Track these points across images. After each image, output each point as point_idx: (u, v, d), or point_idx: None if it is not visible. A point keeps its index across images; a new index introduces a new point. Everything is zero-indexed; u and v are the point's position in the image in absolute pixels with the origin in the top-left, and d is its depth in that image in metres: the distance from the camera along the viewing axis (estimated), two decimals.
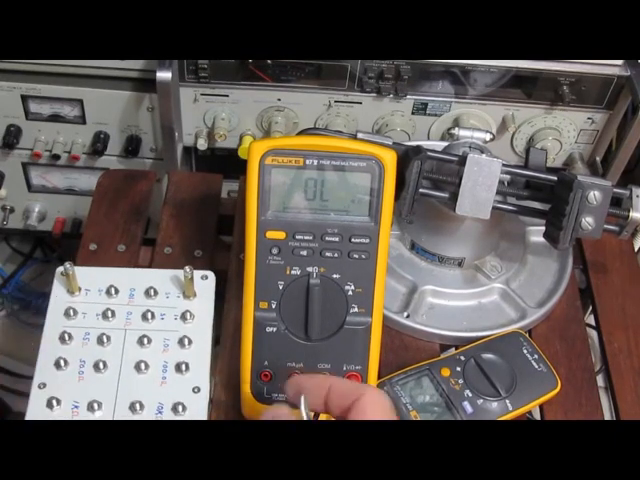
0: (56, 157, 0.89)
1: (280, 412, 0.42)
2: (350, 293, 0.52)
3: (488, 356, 0.58)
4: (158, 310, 0.57)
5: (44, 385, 0.53)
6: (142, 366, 0.54)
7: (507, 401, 0.56)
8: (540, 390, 0.57)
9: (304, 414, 0.41)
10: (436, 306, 0.65)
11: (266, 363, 0.53)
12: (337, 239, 0.52)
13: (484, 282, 0.66)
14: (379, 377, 0.56)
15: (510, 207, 0.62)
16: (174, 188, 0.73)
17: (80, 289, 0.58)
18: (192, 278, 0.57)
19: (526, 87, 0.82)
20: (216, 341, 0.59)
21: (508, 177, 0.62)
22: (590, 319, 0.68)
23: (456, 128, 0.68)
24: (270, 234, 0.52)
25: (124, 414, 0.52)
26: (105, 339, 0.55)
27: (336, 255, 0.52)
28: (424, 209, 0.62)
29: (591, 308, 0.68)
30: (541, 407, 0.59)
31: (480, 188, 0.59)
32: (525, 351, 0.59)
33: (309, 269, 0.52)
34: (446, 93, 0.83)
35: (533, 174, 0.62)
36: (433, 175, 0.61)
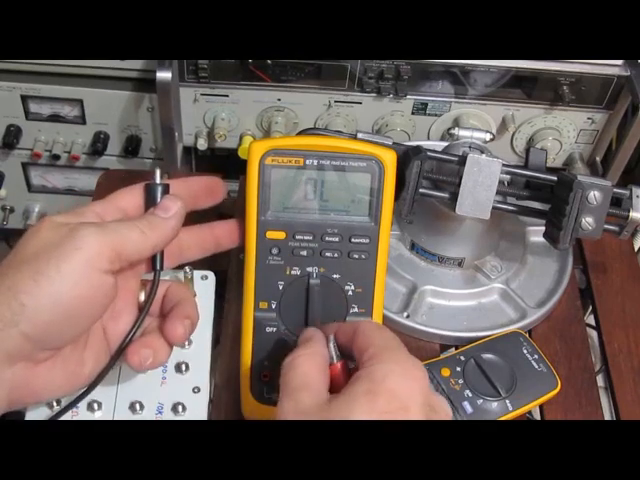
0: (56, 157, 0.89)
1: (307, 333, 0.47)
2: (350, 293, 0.52)
3: (488, 356, 0.58)
4: None
5: None
6: None
7: (507, 401, 0.56)
8: (540, 390, 0.57)
9: (333, 352, 0.45)
10: (436, 306, 0.65)
11: (266, 363, 0.53)
12: (337, 239, 0.52)
13: (484, 282, 0.66)
14: None
15: (510, 207, 0.62)
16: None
17: None
18: (192, 278, 0.57)
19: (526, 87, 0.82)
20: (216, 341, 0.59)
21: (508, 177, 0.61)
22: (590, 319, 0.68)
23: (456, 128, 0.68)
24: (270, 234, 0.52)
25: (124, 414, 0.52)
26: None
27: (336, 255, 0.52)
28: (424, 209, 0.62)
29: (591, 308, 0.68)
30: (541, 407, 0.59)
31: (480, 188, 0.59)
32: (525, 351, 0.59)
33: (309, 269, 0.52)
34: (446, 93, 0.83)
35: (533, 174, 0.62)
36: (433, 175, 0.61)
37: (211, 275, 0.60)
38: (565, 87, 0.81)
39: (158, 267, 0.50)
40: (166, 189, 0.50)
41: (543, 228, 0.62)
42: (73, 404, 0.49)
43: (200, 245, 0.54)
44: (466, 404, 0.55)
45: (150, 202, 0.49)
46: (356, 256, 0.52)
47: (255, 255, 0.52)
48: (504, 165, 0.60)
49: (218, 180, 0.54)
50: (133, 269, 0.49)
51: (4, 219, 0.97)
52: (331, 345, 0.45)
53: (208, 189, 0.53)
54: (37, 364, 0.44)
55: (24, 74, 0.84)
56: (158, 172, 0.50)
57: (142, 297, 0.51)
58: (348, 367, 0.45)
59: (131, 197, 0.50)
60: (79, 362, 0.47)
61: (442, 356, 0.61)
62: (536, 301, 0.65)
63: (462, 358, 0.58)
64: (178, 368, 0.55)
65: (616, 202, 0.60)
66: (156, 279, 0.50)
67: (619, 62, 0.79)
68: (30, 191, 0.96)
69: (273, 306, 0.52)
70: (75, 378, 0.47)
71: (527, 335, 0.61)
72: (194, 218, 0.68)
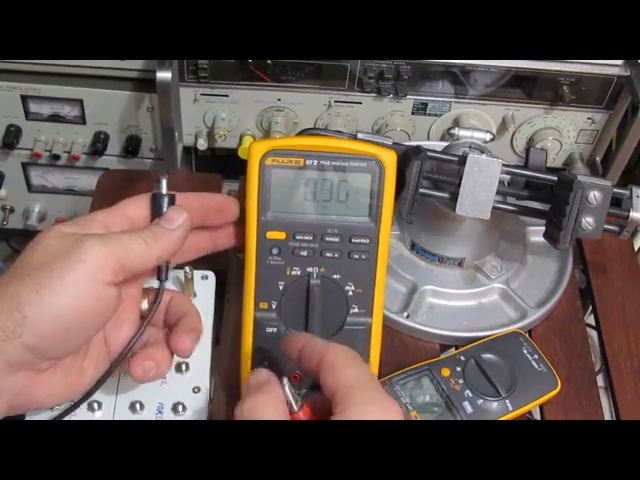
0: (56, 157, 0.89)
1: (260, 376, 0.45)
2: (350, 294, 0.52)
3: (488, 356, 0.58)
4: None
5: None
6: None
7: (507, 401, 0.56)
8: (540, 390, 0.57)
9: (291, 399, 0.43)
10: (436, 306, 0.65)
11: (266, 363, 0.53)
12: (337, 239, 0.52)
13: (484, 282, 0.66)
14: (379, 377, 0.56)
15: (510, 207, 0.62)
16: (174, 188, 0.72)
17: None
18: (192, 278, 0.57)
19: (526, 87, 0.82)
20: (216, 341, 0.59)
21: (508, 177, 0.61)
22: (590, 319, 0.68)
23: (456, 128, 0.68)
24: (270, 234, 0.52)
25: (124, 414, 0.52)
26: None
27: (336, 255, 0.52)
28: (424, 209, 0.62)
29: (591, 308, 0.68)
30: (541, 407, 0.59)
31: (480, 188, 0.59)
32: (525, 351, 0.59)
33: (309, 269, 0.52)
34: (446, 93, 0.83)
35: (533, 174, 0.62)
36: (433, 175, 0.61)
37: (211, 275, 0.60)
38: (565, 87, 0.81)
39: (163, 278, 0.50)
40: (172, 199, 0.50)
41: (543, 228, 0.62)
42: (69, 410, 0.49)
43: (196, 246, 0.54)
44: (466, 404, 0.55)
45: (156, 212, 0.49)
46: (356, 256, 0.52)
47: (255, 255, 0.52)
48: (504, 165, 0.60)
49: (233, 201, 0.54)
50: (136, 278, 0.49)
51: (4, 219, 0.97)
52: (287, 390, 0.43)
53: (220, 208, 0.53)
54: (38, 373, 0.44)
55: (24, 74, 0.84)
56: (164, 182, 0.50)
57: (144, 305, 0.51)
58: (314, 403, 0.43)
59: (138, 206, 0.50)
60: (80, 370, 0.47)
61: (442, 356, 0.61)
62: (536, 301, 0.65)
63: (462, 358, 0.58)
64: (178, 368, 0.55)
65: (616, 202, 0.60)
66: (160, 291, 0.50)
67: (619, 62, 0.79)
68: (30, 191, 0.96)
69: (273, 306, 0.52)
70: (75, 386, 0.47)
71: (527, 335, 0.61)
72: None
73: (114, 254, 0.44)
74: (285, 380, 0.43)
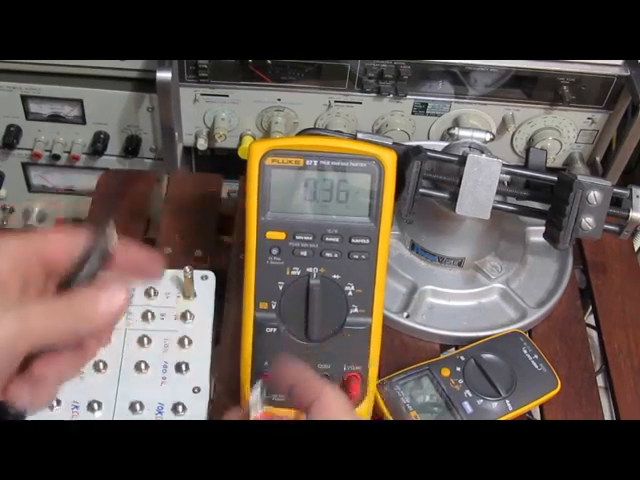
0: (56, 157, 0.89)
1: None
2: (350, 294, 0.52)
3: (488, 356, 0.58)
4: (158, 310, 0.57)
5: None
6: (142, 366, 0.54)
7: (507, 401, 0.56)
8: (540, 390, 0.57)
9: (256, 400, 0.42)
10: (436, 306, 0.65)
11: (266, 363, 0.53)
12: (337, 240, 0.52)
13: (484, 282, 0.66)
14: (379, 377, 0.56)
15: (510, 207, 0.62)
16: (174, 188, 0.73)
17: None
18: (192, 278, 0.57)
19: (526, 87, 0.82)
20: (216, 341, 0.59)
21: (508, 177, 0.62)
22: (590, 319, 0.68)
23: (456, 128, 0.68)
24: (270, 234, 0.52)
25: (124, 414, 0.52)
26: None
27: (336, 256, 0.52)
28: (424, 209, 0.62)
29: (591, 308, 0.68)
30: (541, 407, 0.59)
31: (480, 188, 0.59)
32: (525, 351, 0.59)
33: (309, 269, 0.52)
34: (446, 93, 0.83)
35: (533, 174, 0.62)
36: (433, 175, 0.61)
37: (211, 275, 0.60)
38: (565, 87, 0.81)
39: None
40: (108, 258, 0.40)
41: (543, 228, 0.62)
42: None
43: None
44: (466, 404, 0.55)
45: (90, 267, 0.40)
46: (356, 256, 0.52)
47: (255, 255, 0.52)
48: (504, 165, 0.60)
49: (155, 261, 0.43)
50: None
51: (4, 219, 0.97)
52: (256, 393, 0.41)
53: (141, 266, 0.44)
54: None
55: (24, 74, 0.84)
56: (113, 233, 0.40)
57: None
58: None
59: (60, 246, 0.41)
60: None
61: (442, 356, 0.61)
62: (536, 301, 0.65)
63: (462, 358, 0.58)
64: (178, 368, 0.55)
65: (616, 202, 0.60)
66: None
67: (619, 62, 0.79)
68: (30, 191, 0.96)
69: (273, 306, 0.52)
70: None
71: (527, 335, 0.61)
72: (195, 219, 0.68)
73: (32, 337, 0.38)
74: (259, 382, 0.43)
